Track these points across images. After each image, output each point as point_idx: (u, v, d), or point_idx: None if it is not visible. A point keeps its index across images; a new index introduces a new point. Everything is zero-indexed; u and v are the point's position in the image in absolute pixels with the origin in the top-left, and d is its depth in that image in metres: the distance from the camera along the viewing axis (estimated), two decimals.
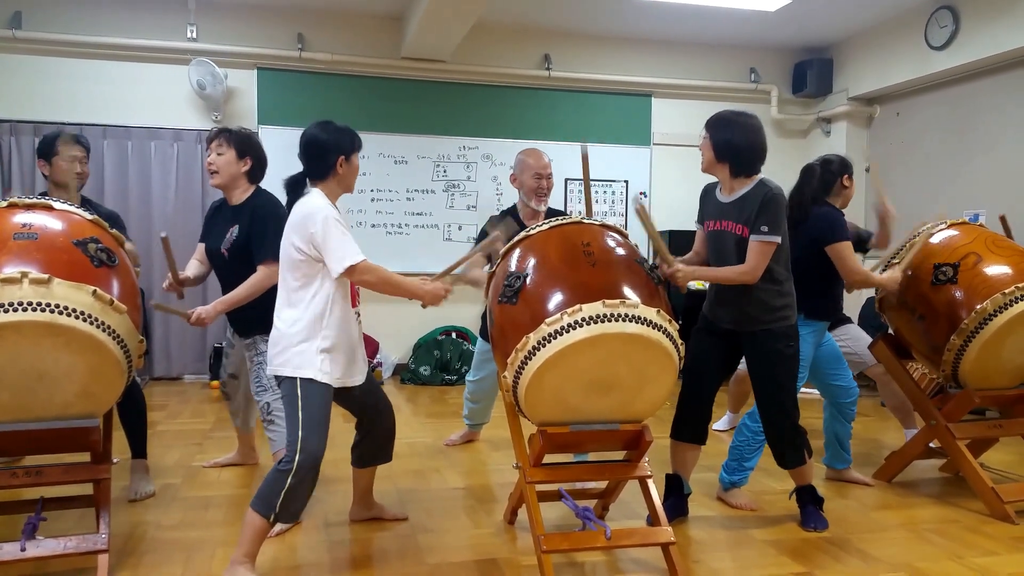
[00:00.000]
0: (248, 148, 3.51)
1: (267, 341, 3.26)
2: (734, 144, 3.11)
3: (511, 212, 4.14)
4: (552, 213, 3.99)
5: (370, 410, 3.14)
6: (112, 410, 2.96)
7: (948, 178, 6.79)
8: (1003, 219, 4.11)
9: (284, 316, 2.79)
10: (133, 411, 3.61)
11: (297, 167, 2.90)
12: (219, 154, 3.46)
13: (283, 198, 3.06)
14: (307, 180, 2.89)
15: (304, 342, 2.74)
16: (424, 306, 2.95)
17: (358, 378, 2.93)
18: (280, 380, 2.78)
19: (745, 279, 3.08)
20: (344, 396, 2.93)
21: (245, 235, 3.41)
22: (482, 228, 4.08)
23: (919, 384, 4.00)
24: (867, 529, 3.36)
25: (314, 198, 2.79)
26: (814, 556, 3.06)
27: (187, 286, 3.54)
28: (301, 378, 2.72)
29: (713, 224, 3.22)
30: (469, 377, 4.53)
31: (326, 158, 2.82)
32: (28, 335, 2.45)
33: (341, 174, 2.85)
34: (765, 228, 3.04)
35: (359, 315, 2.96)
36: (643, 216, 3.12)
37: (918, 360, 4.03)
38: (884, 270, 3.86)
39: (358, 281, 2.78)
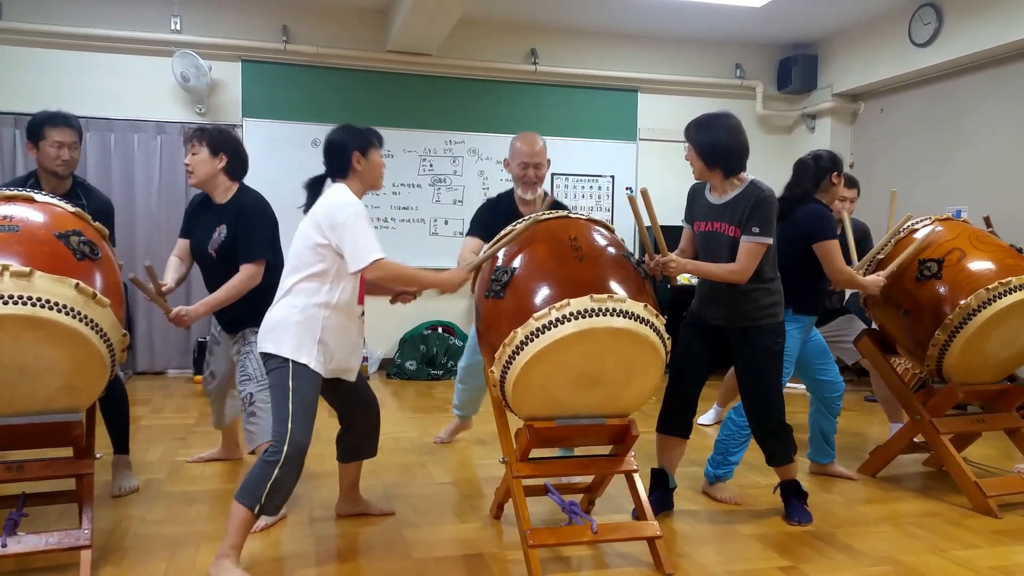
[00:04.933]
0: (222, 145, 3.43)
1: (256, 332, 3.24)
2: (720, 147, 3.11)
3: (507, 196, 3.96)
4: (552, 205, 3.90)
5: (354, 403, 3.13)
6: (95, 405, 2.93)
7: (931, 174, 6.84)
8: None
9: (285, 302, 2.78)
10: (115, 406, 3.58)
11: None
12: (193, 154, 3.40)
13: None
14: (329, 179, 2.92)
15: (304, 331, 2.73)
16: (440, 292, 2.99)
17: (350, 375, 2.92)
18: (271, 366, 2.76)
19: (735, 278, 3.10)
20: (329, 390, 2.91)
21: (232, 235, 3.36)
22: (473, 216, 4.01)
23: (903, 379, 4.03)
24: (851, 523, 3.38)
25: (342, 191, 2.82)
26: (798, 550, 3.07)
27: (172, 293, 3.40)
28: (295, 363, 2.71)
29: (705, 225, 3.23)
30: (460, 363, 4.42)
31: (342, 155, 2.87)
32: (9, 329, 2.42)
33: (360, 170, 2.89)
34: (756, 229, 3.06)
35: (363, 313, 2.95)
36: (648, 202, 3.08)
37: (902, 355, 4.06)
38: (869, 266, 3.89)
39: (375, 277, 2.76)
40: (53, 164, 3.44)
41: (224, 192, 3.46)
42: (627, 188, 7.66)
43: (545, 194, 3.90)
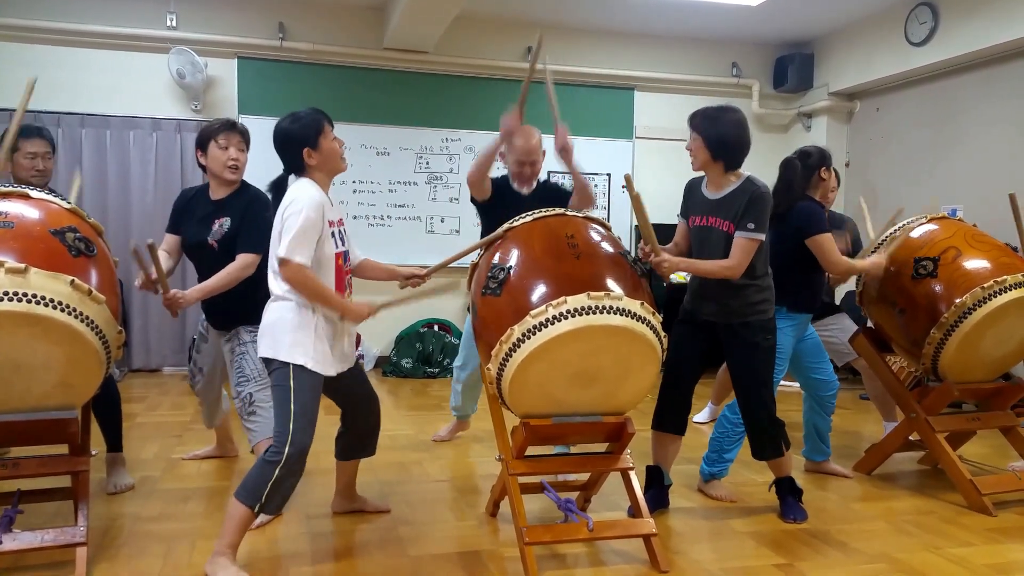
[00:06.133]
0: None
1: (251, 332, 3.24)
2: (727, 140, 3.11)
3: (504, 180, 3.97)
4: (545, 186, 3.92)
5: (356, 401, 3.12)
6: (90, 402, 2.92)
7: (927, 173, 6.86)
8: (1012, 197, 4.07)
9: (276, 305, 2.77)
10: (107, 404, 3.56)
11: (275, 157, 2.87)
12: (241, 151, 3.42)
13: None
14: (291, 176, 2.88)
15: (299, 329, 2.71)
16: (340, 319, 2.86)
17: (345, 365, 2.91)
18: (272, 368, 2.75)
19: (728, 274, 3.10)
20: (332, 385, 2.90)
21: (236, 226, 3.35)
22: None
23: (898, 377, 4.04)
24: (846, 520, 3.39)
25: (301, 188, 2.76)
26: (793, 547, 3.08)
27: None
28: (294, 365, 2.70)
29: (700, 219, 3.24)
30: (455, 363, 4.42)
31: (293, 152, 2.80)
32: (4, 325, 2.41)
33: (314, 164, 2.81)
34: (751, 225, 3.06)
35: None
36: (636, 203, 3.06)
37: (898, 353, 4.07)
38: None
39: (284, 277, 2.71)
40: (28, 175, 3.53)
41: (230, 187, 3.46)
42: (623, 186, 7.67)
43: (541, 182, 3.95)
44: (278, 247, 2.70)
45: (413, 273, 3.11)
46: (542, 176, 4.02)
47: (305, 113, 2.83)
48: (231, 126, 3.43)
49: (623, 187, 7.62)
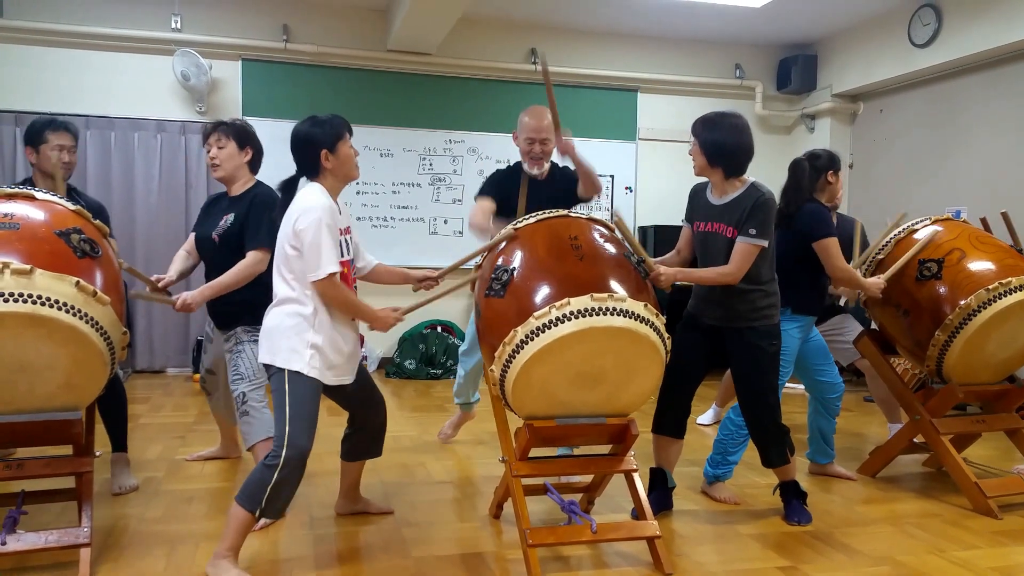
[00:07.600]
0: (247, 138, 3.49)
1: (248, 331, 3.26)
2: (724, 146, 3.11)
3: (517, 168, 3.91)
4: (556, 170, 3.90)
5: (363, 405, 3.12)
6: (94, 403, 2.93)
7: (930, 174, 6.85)
8: (1005, 215, 4.11)
9: (276, 310, 2.77)
10: (114, 404, 3.58)
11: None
12: (220, 147, 3.42)
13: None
14: (303, 179, 2.88)
15: (295, 336, 2.71)
16: (371, 329, 2.92)
17: (348, 377, 2.90)
18: (270, 373, 2.76)
19: (726, 280, 3.10)
20: (336, 391, 2.91)
21: (240, 223, 3.36)
22: (486, 180, 4.00)
23: (903, 379, 4.03)
24: (850, 523, 3.38)
25: (313, 195, 2.75)
26: (798, 550, 3.07)
27: (172, 285, 3.42)
28: (290, 371, 2.70)
29: (703, 225, 3.23)
30: (462, 348, 4.39)
31: (310, 154, 2.80)
32: (9, 326, 2.42)
33: (330, 168, 2.81)
34: (753, 231, 3.05)
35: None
36: (623, 228, 3.05)
37: (902, 355, 4.06)
38: (868, 266, 3.89)
39: (322, 292, 2.72)
40: (54, 166, 3.50)
41: (242, 185, 3.48)
42: (626, 188, 7.67)
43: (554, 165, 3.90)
44: (291, 254, 2.70)
45: (426, 276, 3.15)
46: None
47: (327, 117, 2.85)
48: (209, 129, 3.46)
49: (627, 189, 7.63)
